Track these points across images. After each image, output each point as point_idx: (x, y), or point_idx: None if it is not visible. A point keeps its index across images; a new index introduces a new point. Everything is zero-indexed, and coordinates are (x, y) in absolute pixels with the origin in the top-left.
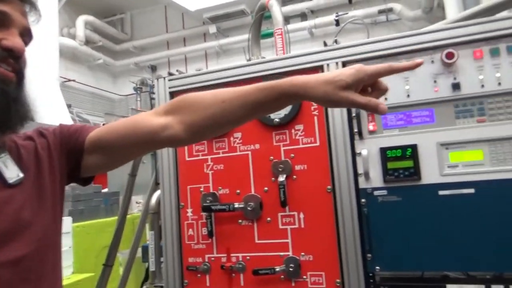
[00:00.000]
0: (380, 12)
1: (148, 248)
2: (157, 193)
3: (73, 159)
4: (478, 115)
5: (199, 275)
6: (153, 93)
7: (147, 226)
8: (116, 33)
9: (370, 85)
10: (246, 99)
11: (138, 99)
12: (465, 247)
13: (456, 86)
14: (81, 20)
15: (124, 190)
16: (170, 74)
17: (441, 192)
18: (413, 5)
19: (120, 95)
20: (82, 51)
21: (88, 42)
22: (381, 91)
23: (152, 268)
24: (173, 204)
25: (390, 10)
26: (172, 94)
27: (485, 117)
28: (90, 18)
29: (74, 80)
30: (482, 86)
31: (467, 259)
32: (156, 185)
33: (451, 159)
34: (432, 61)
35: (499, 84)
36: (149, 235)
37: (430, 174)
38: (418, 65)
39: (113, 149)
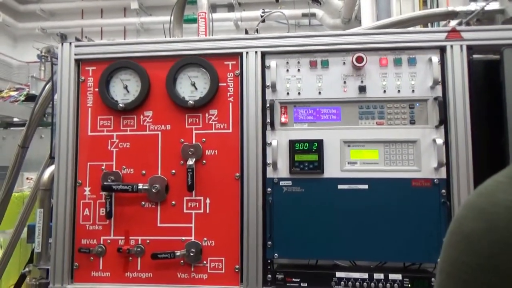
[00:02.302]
0: (304, 15)
1: (35, 228)
2: (51, 168)
3: None
4: (378, 118)
5: (92, 258)
6: (56, 58)
7: (37, 204)
8: None
9: None
10: None
11: (42, 68)
12: (354, 238)
13: (362, 89)
14: None
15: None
16: (77, 40)
17: (340, 186)
18: (334, 13)
19: (21, 61)
20: None
21: None
22: None
23: (37, 249)
24: (69, 181)
25: (313, 15)
26: (79, 63)
27: (384, 120)
28: None
29: None
30: (384, 91)
31: (355, 249)
32: (51, 159)
33: (351, 156)
34: (344, 63)
35: (399, 91)
36: (37, 213)
37: (332, 169)
38: None
39: None
